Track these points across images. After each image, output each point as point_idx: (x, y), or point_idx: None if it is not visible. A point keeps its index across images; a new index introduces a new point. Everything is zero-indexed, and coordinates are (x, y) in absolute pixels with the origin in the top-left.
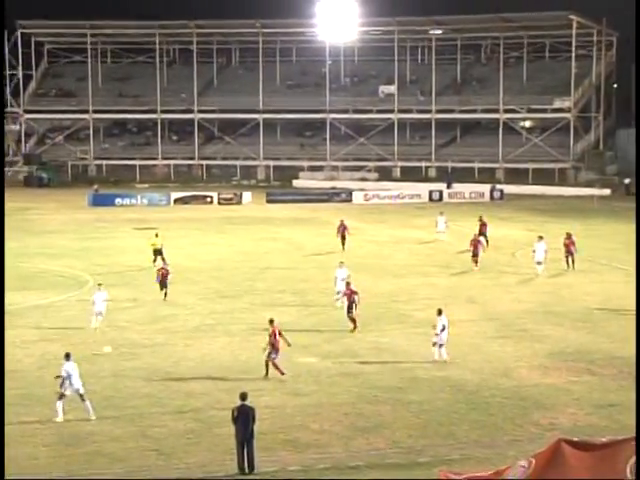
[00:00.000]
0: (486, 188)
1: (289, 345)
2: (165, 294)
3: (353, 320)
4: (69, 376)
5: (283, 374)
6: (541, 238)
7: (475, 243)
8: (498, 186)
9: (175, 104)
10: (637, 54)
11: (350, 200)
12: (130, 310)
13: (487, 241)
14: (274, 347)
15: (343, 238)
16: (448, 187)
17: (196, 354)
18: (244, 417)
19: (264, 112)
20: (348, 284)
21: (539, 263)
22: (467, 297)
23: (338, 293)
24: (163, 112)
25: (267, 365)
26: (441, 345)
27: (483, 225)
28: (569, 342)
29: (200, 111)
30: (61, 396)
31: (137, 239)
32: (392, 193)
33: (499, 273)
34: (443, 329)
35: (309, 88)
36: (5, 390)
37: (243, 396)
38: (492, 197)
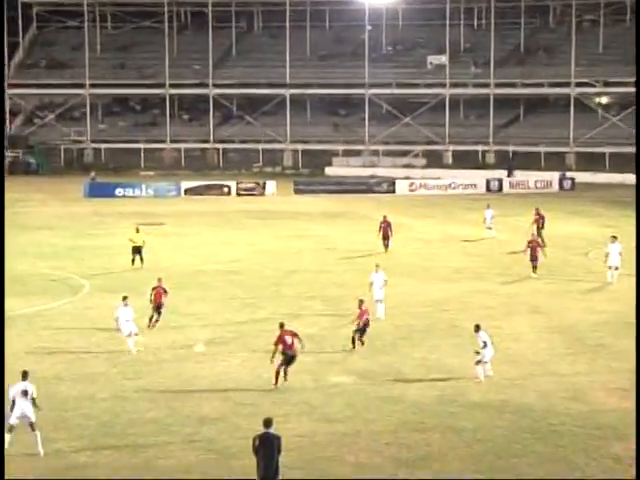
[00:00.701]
0: (554, 176)
1: (303, 348)
2: (154, 321)
3: (361, 342)
4: (14, 402)
5: (275, 384)
6: (615, 238)
7: (533, 244)
8: (569, 174)
9: (187, 77)
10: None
11: (393, 191)
12: (135, 320)
13: (543, 240)
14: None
15: (386, 238)
16: (509, 175)
17: (210, 372)
18: (268, 447)
19: (291, 87)
20: (361, 302)
21: (614, 268)
22: (530, 306)
23: (377, 302)
24: (172, 87)
25: (277, 375)
26: (485, 362)
27: (539, 219)
28: None
29: (216, 85)
30: (10, 428)
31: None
32: (443, 182)
33: (569, 277)
34: (485, 346)
35: (345, 58)
36: None
37: (267, 422)
38: (561, 187)
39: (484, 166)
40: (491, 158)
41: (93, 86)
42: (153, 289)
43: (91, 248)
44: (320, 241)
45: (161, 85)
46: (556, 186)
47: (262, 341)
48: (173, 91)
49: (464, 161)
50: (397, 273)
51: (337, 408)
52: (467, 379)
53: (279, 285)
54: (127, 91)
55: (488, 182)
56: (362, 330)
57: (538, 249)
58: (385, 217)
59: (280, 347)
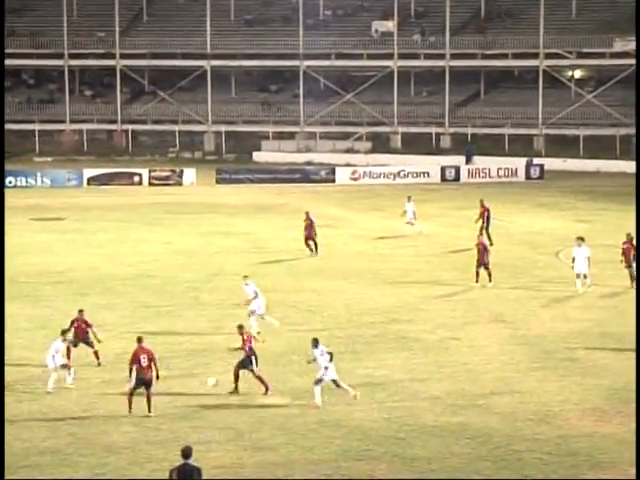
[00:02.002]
0: (520, 163)
1: (157, 378)
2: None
3: (260, 379)
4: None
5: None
6: (582, 240)
7: (480, 247)
8: (536, 160)
9: (89, 46)
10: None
11: (333, 180)
12: (28, 332)
13: (490, 238)
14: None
15: (310, 239)
16: (468, 162)
17: (117, 393)
18: None
19: (213, 57)
20: (241, 328)
21: (582, 276)
22: (492, 314)
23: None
24: (72, 57)
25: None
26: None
27: (484, 212)
28: (634, 376)
29: (124, 56)
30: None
31: (38, 233)
32: (390, 170)
33: (536, 281)
34: (331, 359)
35: (275, 25)
36: None
37: (186, 452)
38: (528, 175)
39: (438, 151)
40: (447, 142)
41: None
42: (72, 322)
43: None
44: (247, 239)
45: (59, 55)
46: (522, 174)
47: (180, 357)
48: (73, 62)
49: (415, 145)
50: (338, 276)
51: (268, 434)
52: (420, 398)
53: (199, 290)
54: (18, 62)
55: (443, 170)
56: (248, 362)
57: (486, 254)
58: (308, 214)
59: (135, 367)
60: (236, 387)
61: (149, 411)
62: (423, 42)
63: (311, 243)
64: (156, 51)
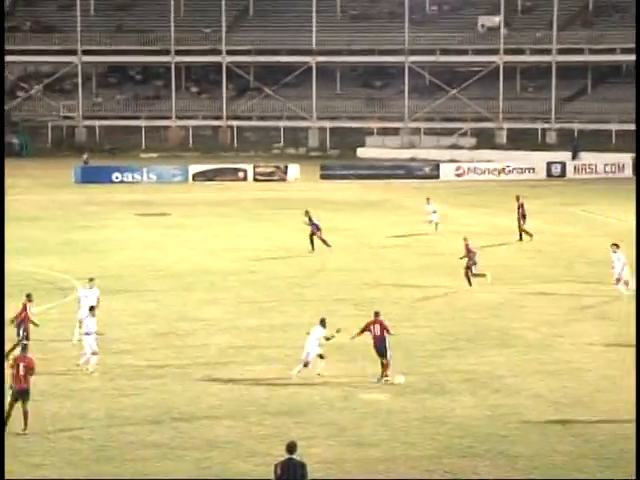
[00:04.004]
0: (627, 159)
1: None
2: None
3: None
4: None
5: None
6: (617, 247)
7: (467, 248)
8: None
9: (195, 42)
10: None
11: (437, 176)
12: (132, 327)
13: (523, 233)
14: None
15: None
16: (574, 158)
17: (221, 388)
18: (291, 477)
19: (318, 54)
20: (377, 315)
21: (623, 283)
22: (597, 311)
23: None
24: (178, 53)
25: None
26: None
27: (520, 208)
28: None
29: (230, 52)
30: None
31: (142, 229)
32: (495, 166)
33: None
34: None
35: (380, 20)
36: None
37: (290, 447)
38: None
39: (544, 147)
40: (552, 137)
41: (86, 53)
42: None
43: (83, 243)
44: (350, 235)
45: (166, 52)
46: (629, 170)
47: (282, 351)
48: (180, 59)
49: (521, 141)
50: (440, 272)
51: (370, 430)
52: (524, 396)
53: (302, 286)
54: (126, 58)
55: (549, 166)
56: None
57: (472, 255)
58: (307, 211)
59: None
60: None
61: (24, 428)
62: (536, 36)
63: (315, 240)
64: (261, 47)
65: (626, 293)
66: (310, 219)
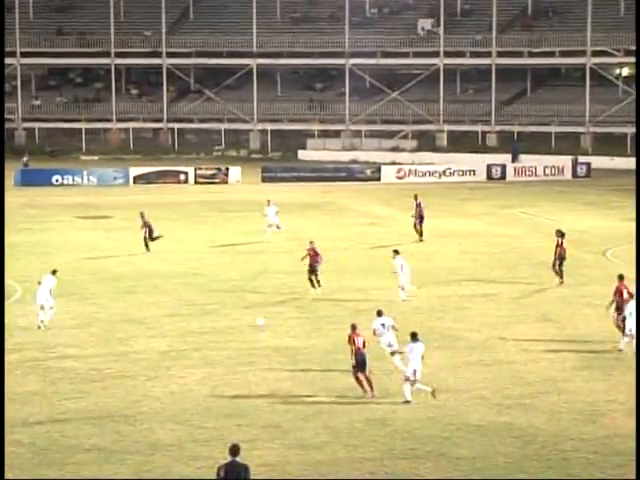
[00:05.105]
0: (567, 161)
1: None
2: None
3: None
4: None
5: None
6: (397, 253)
7: (310, 252)
8: (583, 158)
9: (136, 44)
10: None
11: (378, 178)
12: (73, 330)
13: (422, 233)
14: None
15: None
16: (514, 160)
17: (163, 391)
18: (234, 479)
19: (259, 56)
20: (354, 328)
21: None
22: (539, 313)
23: None
24: (119, 56)
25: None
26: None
27: (417, 208)
28: None
29: (170, 54)
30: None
31: (84, 232)
32: (436, 169)
33: (583, 280)
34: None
35: (321, 23)
36: None
37: (233, 450)
38: (575, 174)
39: (484, 149)
40: (493, 140)
41: (25, 55)
42: None
43: (24, 245)
44: (292, 237)
45: (106, 54)
46: (569, 173)
47: (224, 354)
48: (120, 61)
49: (461, 143)
50: (381, 275)
51: (312, 432)
52: (466, 398)
53: (244, 289)
54: (66, 61)
55: (489, 168)
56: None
57: (317, 259)
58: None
59: None
60: (363, 389)
61: None
62: (475, 39)
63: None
64: (202, 50)
65: (404, 297)
66: (145, 221)
